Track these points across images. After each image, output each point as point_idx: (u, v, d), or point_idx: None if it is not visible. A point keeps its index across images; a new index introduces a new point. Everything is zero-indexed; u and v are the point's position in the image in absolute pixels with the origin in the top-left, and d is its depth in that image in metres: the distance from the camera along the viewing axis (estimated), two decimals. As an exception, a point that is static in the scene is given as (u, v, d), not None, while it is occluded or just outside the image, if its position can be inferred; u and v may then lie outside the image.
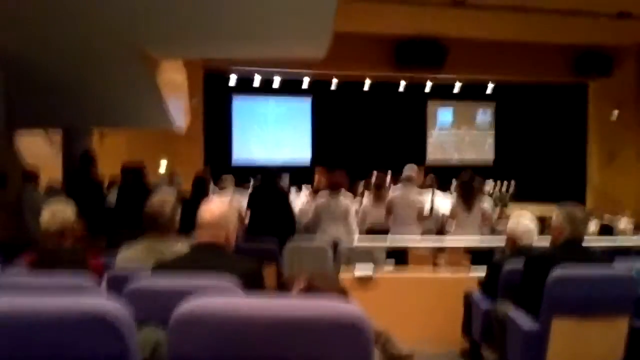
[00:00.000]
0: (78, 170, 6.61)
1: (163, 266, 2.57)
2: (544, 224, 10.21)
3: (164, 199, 3.12)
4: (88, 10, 4.69)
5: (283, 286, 1.64)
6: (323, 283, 1.57)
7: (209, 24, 5.23)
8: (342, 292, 1.58)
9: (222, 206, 2.67)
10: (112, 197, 6.64)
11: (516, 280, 3.43)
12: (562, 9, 13.31)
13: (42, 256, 2.83)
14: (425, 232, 6.79)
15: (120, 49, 5.51)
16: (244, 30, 5.43)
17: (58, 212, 3.07)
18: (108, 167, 8.40)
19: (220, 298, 1.66)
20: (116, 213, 6.01)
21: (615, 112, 16.76)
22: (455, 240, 6.13)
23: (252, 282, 2.42)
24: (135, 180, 6.16)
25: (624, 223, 8.81)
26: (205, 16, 4.99)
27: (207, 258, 2.51)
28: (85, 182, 6.38)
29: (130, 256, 3.07)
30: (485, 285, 4.00)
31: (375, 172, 15.34)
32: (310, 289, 1.54)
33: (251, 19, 5.09)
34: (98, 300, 1.57)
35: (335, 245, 5.62)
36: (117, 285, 2.68)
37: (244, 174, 13.48)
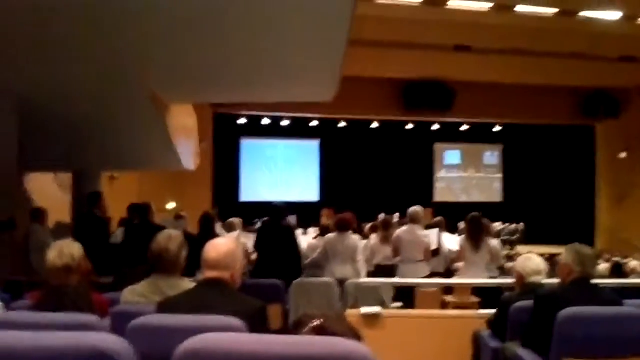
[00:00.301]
0: (85, 210, 6.66)
1: (168, 304, 2.56)
2: (553, 266, 10.12)
3: (170, 237, 3.11)
4: (100, 55, 4.79)
5: (293, 327, 1.60)
6: (336, 325, 1.55)
7: (218, 70, 5.33)
8: (356, 335, 1.56)
9: (229, 244, 2.67)
10: (119, 236, 6.67)
11: (525, 319, 3.38)
12: (566, 53, 13.52)
13: (48, 294, 2.83)
14: (433, 271, 6.74)
15: (131, 93, 5.61)
16: (253, 76, 5.54)
17: (65, 250, 3.08)
18: (118, 209, 8.44)
19: (224, 335, 1.64)
20: (122, 251, 6.01)
21: (623, 154, 16.77)
22: (463, 279, 6.07)
23: (257, 322, 2.40)
24: (141, 218, 6.18)
25: (635, 263, 8.70)
26: (215, 62, 5.10)
27: (212, 296, 2.49)
28: (92, 221, 6.42)
29: (136, 293, 3.06)
30: (494, 324, 3.94)
31: (382, 215, 15.38)
32: (323, 330, 1.53)
33: (260, 64, 5.19)
34: (101, 337, 1.56)
35: (342, 283, 5.57)
36: (121, 323, 2.67)
37: (252, 215, 13.53)
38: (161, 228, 5.95)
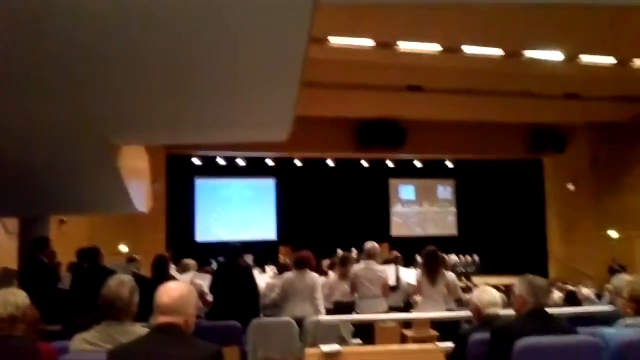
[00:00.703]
0: (31, 256, 6.43)
1: (119, 352, 2.46)
2: (509, 295, 10.26)
3: (121, 282, 3.02)
4: (46, 98, 4.69)
5: None
6: None
7: (170, 113, 5.28)
8: None
9: (181, 288, 2.59)
10: (67, 281, 6.44)
11: (484, 352, 3.39)
12: (514, 91, 14.05)
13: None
14: (392, 306, 6.74)
15: (79, 136, 5.48)
16: (206, 118, 5.50)
17: (9, 298, 2.95)
18: (68, 253, 8.19)
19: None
20: (71, 297, 5.81)
21: (571, 186, 17.34)
22: (421, 313, 6.08)
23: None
24: (90, 262, 6.00)
25: (586, 290, 8.91)
26: (166, 105, 5.04)
27: (166, 342, 2.41)
28: (39, 268, 6.20)
29: (86, 341, 2.94)
30: (453, 357, 3.94)
31: (339, 251, 15.38)
32: None
33: (213, 107, 5.17)
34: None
35: (301, 322, 5.51)
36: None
37: (208, 255, 13.32)
38: (111, 272, 5.83)
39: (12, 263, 7.95)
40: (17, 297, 2.97)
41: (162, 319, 2.50)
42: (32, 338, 3.01)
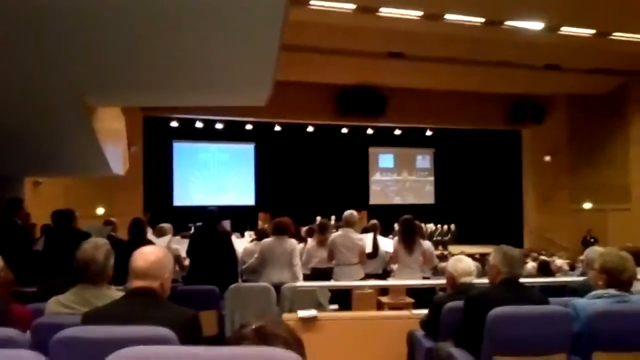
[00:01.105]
0: (4, 217, 6.34)
1: (93, 315, 2.45)
2: (484, 264, 10.42)
3: (96, 245, 2.99)
4: (21, 58, 4.56)
5: (233, 338, 1.55)
6: (276, 327, 1.52)
7: (147, 74, 5.17)
8: (296, 338, 1.53)
9: (157, 252, 2.57)
10: (42, 243, 6.37)
11: (457, 319, 3.45)
12: (495, 61, 14.04)
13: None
14: (371, 273, 6.81)
15: (55, 96, 5.36)
16: (184, 80, 5.39)
17: None
18: (43, 215, 8.07)
19: (153, 347, 1.56)
20: (45, 259, 5.74)
21: (548, 157, 17.54)
22: (396, 281, 6.16)
23: (189, 332, 2.33)
24: (64, 225, 5.93)
25: (560, 262, 9.09)
26: (143, 66, 4.93)
27: (141, 306, 2.40)
28: (13, 229, 6.11)
29: (61, 304, 2.92)
30: (426, 324, 4.00)
31: (318, 218, 15.44)
32: (264, 330, 1.49)
33: (191, 69, 5.07)
34: (16, 353, 1.46)
35: (278, 287, 5.54)
36: (44, 335, 2.54)
37: (186, 220, 13.28)
38: (85, 234, 5.78)
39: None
40: None
41: (137, 283, 2.48)
42: (5, 300, 2.98)
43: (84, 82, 5.31)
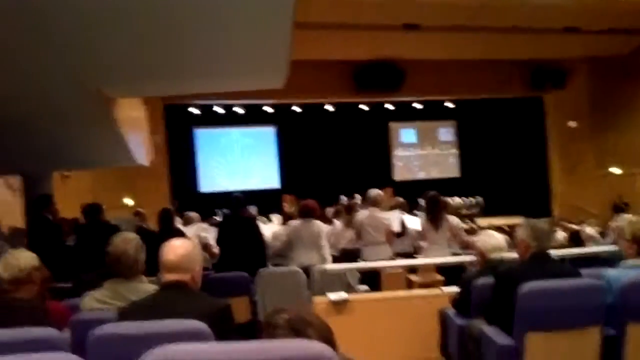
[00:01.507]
0: (36, 214, 6.47)
1: (128, 310, 2.50)
2: (512, 237, 10.33)
3: (127, 239, 3.03)
4: (42, 52, 4.60)
5: (264, 327, 1.56)
6: (307, 315, 1.53)
7: (165, 64, 5.18)
8: (326, 327, 1.54)
9: (186, 245, 2.60)
10: (73, 238, 6.49)
11: (488, 296, 3.44)
12: (511, 27, 13.73)
13: (4, 306, 2.73)
14: (400, 252, 6.80)
15: (75, 89, 5.41)
16: (201, 67, 5.40)
17: (10, 261, 2.96)
18: (72, 209, 8.23)
19: (188, 344, 1.59)
20: (76, 254, 5.85)
21: (572, 123, 17.23)
22: (425, 259, 6.15)
23: (222, 322, 2.37)
24: (91, 219, 6.03)
25: (589, 230, 8.97)
26: (160, 56, 4.94)
27: (174, 300, 2.44)
28: (45, 225, 6.23)
29: (96, 300, 2.98)
30: (458, 302, 3.99)
31: (343, 197, 15.43)
32: (298, 317, 1.50)
33: (207, 56, 5.06)
34: (59, 356, 1.50)
35: (308, 270, 5.57)
36: (82, 332, 2.60)
37: (213, 205, 13.39)
38: (113, 227, 5.88)
39: (18, 220, 8.01)
40: (19, 260, 2.98)
41: (168, 276, 2.52)
42: (41, 298, 3.05)
43: (102, 74, 5.35)
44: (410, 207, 9.02)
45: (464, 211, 17.36)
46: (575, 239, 7.80)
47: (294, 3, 4.05)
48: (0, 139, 6.28)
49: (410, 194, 12.95)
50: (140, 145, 8.30)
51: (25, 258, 3.02)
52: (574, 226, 10.64)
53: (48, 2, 3.79)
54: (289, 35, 4.56)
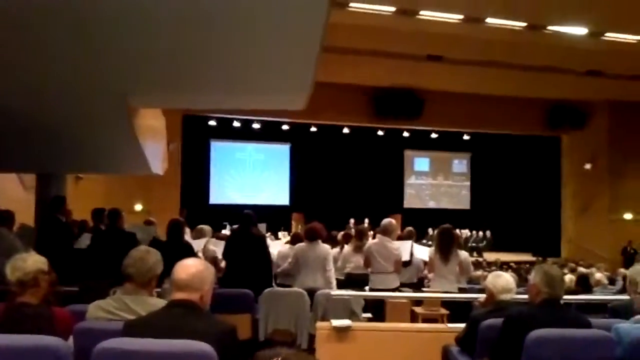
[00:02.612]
0: (48, 214, 6.50)
1: (135, 325, 2.49)
2: (518, 273, 10.23)
3: (150, 249, 3.04)
4: (66, 57, 4.67)
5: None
6: None
7: (188, 78, 5.24)
8: None
9: (198, 265, 2.60)
10: (83, 240, 6.50)
11: (494, 337, 3.39)
12: (535, 66, 13.76)
13: (8, 312, 2.72)
14: (405, 282, 6.76)
15: (99, 96, 5.48)
16: (224, 85, 5.45)
17: (19, 264, 2.96)
18: (83, 210, 8.27)
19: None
20: (88, 257, 5.86)
21: (588, 165, 17.15)
22: (433, 291, 6.10)
23: (227, 345, 2.35)
24: (110, 224, 6.05)
25: (599, 275, 8.87)
26: (184, 70, 5.00)
27: (181, 318, 2.43)
28: (56, 227, 6.26)
29: (102, 309, 2.97)
30: (463, 340, 3.94)
31: (352, 220, 15.36)
32: None
33: (231, 74, 5.11)
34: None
35: (312, 293, 5.55)
36: (85, 342, 2.60)
37: (221, 218, 13.43)
38: (130, 235, 5.88)
39: (29, 217, 8.05)
40: (26, 263, 2.98)
41: (178, 295, 2.52)
42: (47, 303, 3.04)
43: (127, 83, 5.41)
44: (417, 236, 8.98)
45: (472, 244, 17.28)
46: (584, 282, 7.70)
47: (324, 28, 4.08)
48: (18, 138, 6.34)
49: (419, 223, 12.90)
50: (157, 154, 8.35)
51: (32, 261, 3.01)
52: (583, 269, 10.52)
53: (79, 9, 3.86)
54: (315, 59, 4.59)
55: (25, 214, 8.18)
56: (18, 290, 2.94)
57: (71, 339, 2.79)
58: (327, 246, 6.28)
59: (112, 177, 13.22)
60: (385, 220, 6.66)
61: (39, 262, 3.05)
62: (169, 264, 2.96)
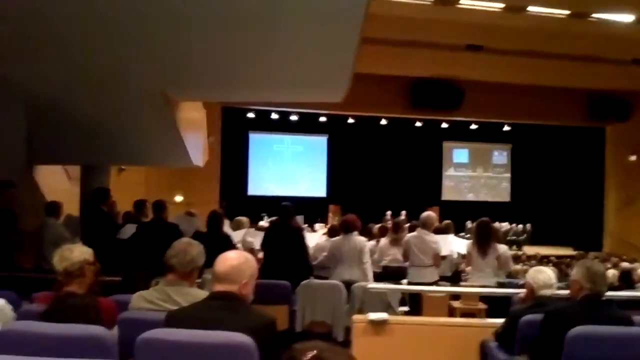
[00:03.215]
0: (93, 205, 6.67)
1: (176, 316, 2.55)
2: (560, 268, 10.04)
3: (193, 242, 3.10)
4: (110, 51, 4.79)
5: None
6: (332, 354, 1.47)
7: (228, 71, 5.31)
8: None
9: (238, 257, 2.64)
10: (126, 230, 6.65)
11: (534, 333, 3.35)
12: (578, 55, 13.42)
13: (55, 302, 2.82)
14: (440, 275, 6.72)
15: (140, 90, 5.61)
16: (263, 78, 5.51)
17: (66, 254, 3.05)
18: (125, 201, 8.45)
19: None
20: (133, 248, 5.99)
21: (633, 157, 16.67)
22: (471, 285, 6.04)
23: (266, 337, 2.39)
24: (155, 216, 6.17)
25: (642, 270, 8.66)
26: (225, 63, 5.08)
27: (221, 310, 2.48)
28: (100, 218, 6.43)
29: (145, 300, 3.04)
30: (501, 335, 3.90)
31: (389, 213, 15.30)
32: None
33: (270, 67, 5.16)
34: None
35: (349, 285, 5.57)
36: (129, 332, 2.68)
37: (259, 209, 13.55)
38: (173, 226, 5.99)
39: (74, 208, 8.28)
40: (73, 253, 3.07)
41: (218, 287, 2.57)
42: (92, 293, 3.13)
43: (167, 77, 5.52)
44: (456, 229, 8.91)
45: (511, 237, 17.02)
46: (626, 278, 7.52)
47: (363, 20, 4.07)
48: (64, 130, 6.54)
49: (457, 215, 12.77)
50: (198, 146, 8.49)
51: (79, 252, 3.10)
52: (626, 264, 10.26)
53: (120, 4, 3.96)
54: (354, 53, 4.60)
55: (71, 205, 8.42)
56: (65, 279, 3.04)
57: (116, 328, 2.87)
58: (362, 238, 6.27)
59: (153, 169, 13.47)
60: (425, 214, 6.63)
61: (85, 253, 3.14)
62: (208, 255, 3.03)
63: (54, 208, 6.62)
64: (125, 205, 8.40)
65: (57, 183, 9.71)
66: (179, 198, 14.64)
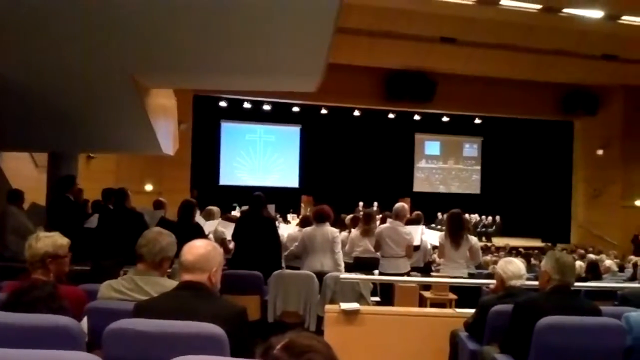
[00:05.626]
0: (58, 194, 6.54)
1: (145, 306, 2.50)
2: (529, 260, 10.20)
3: (163, 232, 3.04)
4: (78, 37, 4.66)
5: (262, 353, 1.47)
6: (306, 339, 1.44)
7: (199, 58, 5.21)
8: (329, 351, 1.45)
9: (205, 246, 2.60)
10: (94, 219, 6.54)
11: (504, 324, 3.38)
12: (549, 49, 13.61)
13: (21, 290, 2.74)
14: (412, 265, 6.76)
15: (109, 75, 5.47)
16: (234, 64, 5.42)
17: (32, 244, 3.00)
18: (94, 190, 8.31)
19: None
20: (97, 237, 5.89)
21: (600, 151, 17.01)
22: (442, 276, 6.09)
23: (236, 326, 2.36)
24: (117, 204, 6.07)
25: (609, 262, 8.83)
26: (196, 50, 4.98)
27: (190, 299, 2.44)
28: (66, 206, 6.30)
29: (113, 289, 2.98)
30: (471, 325, 3.94)
31: (361, 204, 15.34)
32: (293, 344, 1.41)
33: (242, 54, 5.08)
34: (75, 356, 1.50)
35: (320, 275, 5.56)
36: (97, 321, 2.62)
37: (230, 200, 13.46)
38: (137, 215, 5.89)
39: (41, 196, 8.11)
40: (37, 243, 3.02)
41: (186, 276, 2.53)
42: (59, 282, 3.06)
43: (137, 64, 5.41)
44: (426, 220, 8.97)
45: (481, 229, 17.23)
46: (593, 269, 7.67)
47: (337, 11, 4.03)
48: (31, 117, 6.37)
49: (428, 207, 12.86)
50: (168, 134, 8.36)
51: (43, 243, 3.04)
52: (593, 256, 10.49)
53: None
54: (328, 41, 4.55)
55: (38, 192, 8.24)
56: (30, 268, 2.99)
57: (85, 318, 2.81)
58: (334, 229, 6.26)
59: (123, 157, 13.27)
60: (398, 205, 6.64)
61: (48, 245, 3.07)
62: (179, 244, 2.97)
63: (16, 196, 6.47)
64: (95, 193, 8.25)
65: (25, 171, 9.50)
66: (149, 187, 14.46)
